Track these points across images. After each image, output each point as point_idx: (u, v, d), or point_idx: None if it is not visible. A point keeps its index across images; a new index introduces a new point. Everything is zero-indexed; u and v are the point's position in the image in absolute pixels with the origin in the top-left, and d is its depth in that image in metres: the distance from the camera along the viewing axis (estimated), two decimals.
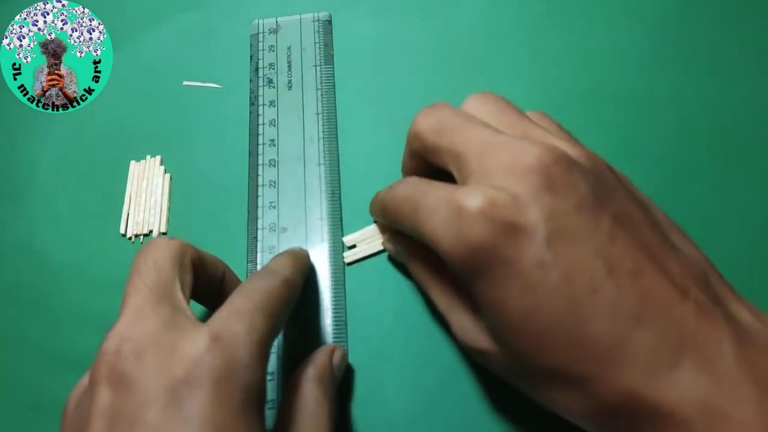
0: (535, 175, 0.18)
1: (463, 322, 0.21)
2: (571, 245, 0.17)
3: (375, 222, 0.28)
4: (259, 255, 0.28)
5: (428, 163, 0.22)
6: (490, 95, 0.22)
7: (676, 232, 0.21)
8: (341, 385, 0.25)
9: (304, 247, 0.28)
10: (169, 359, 0.17)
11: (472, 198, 0.18)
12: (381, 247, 0.27)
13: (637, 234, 0.18)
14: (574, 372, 0.17)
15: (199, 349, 0.17)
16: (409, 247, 0.25)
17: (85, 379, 0.20)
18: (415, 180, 0.22)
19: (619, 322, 0.17)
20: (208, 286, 0.23)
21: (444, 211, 0.19)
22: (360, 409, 0.25)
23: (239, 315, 0.19)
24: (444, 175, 0.21)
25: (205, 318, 0.26)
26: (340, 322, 0.26)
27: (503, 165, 0.18)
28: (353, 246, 0.28)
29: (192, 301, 0.23)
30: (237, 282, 0.25)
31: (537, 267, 0.17)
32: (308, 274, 0.27)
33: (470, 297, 0.21)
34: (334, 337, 0.26)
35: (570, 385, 0.18)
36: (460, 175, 0.20)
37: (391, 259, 0.28)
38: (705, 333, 0.17)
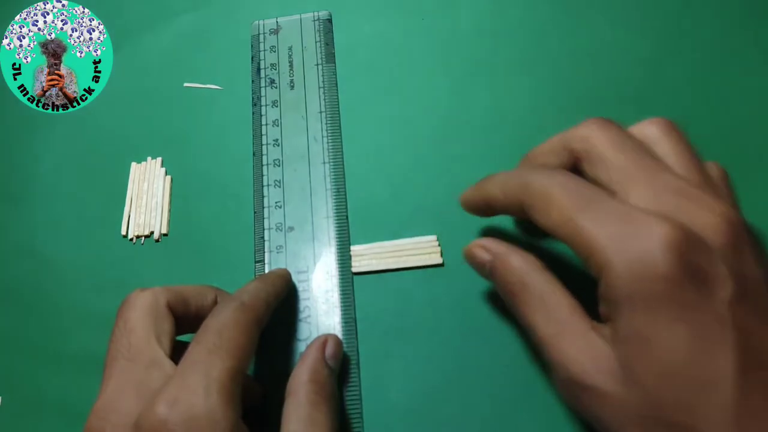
0: (726, 232, 0.18)
1: (577, 352, 0.19)
2: (752, 312, 0.17)
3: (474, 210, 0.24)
4: (267, 255, 0.28)
5: (570, 166, 0.22)
6: (674, 128, 0.21)
7: None
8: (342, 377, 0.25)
9: (312, 246, 0.28)
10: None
11: (668, 226, 0.17)
12: (390, 266, 0.27)
13: None
14: None
15: (159, 419, 0.18)
16: (510, 259, 0.22)
17: None
18: (577, 177, 0.20)
19: None
20: (199, 317, 0.23)
21: (623, 225, 0.18)
22: (366, 406, 0.25)
23: (194, 367, 0.19)
24: None
25: None
26: (349, 319, 0.26)
27: (693, 209, 0.18)
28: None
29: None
30: None
31: (715, 322, 0.17)
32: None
33: (589, 327, 0.19)
34: (344, 335, 0.26)
35: None
36: (629, 197, 0.19)
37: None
38: None
